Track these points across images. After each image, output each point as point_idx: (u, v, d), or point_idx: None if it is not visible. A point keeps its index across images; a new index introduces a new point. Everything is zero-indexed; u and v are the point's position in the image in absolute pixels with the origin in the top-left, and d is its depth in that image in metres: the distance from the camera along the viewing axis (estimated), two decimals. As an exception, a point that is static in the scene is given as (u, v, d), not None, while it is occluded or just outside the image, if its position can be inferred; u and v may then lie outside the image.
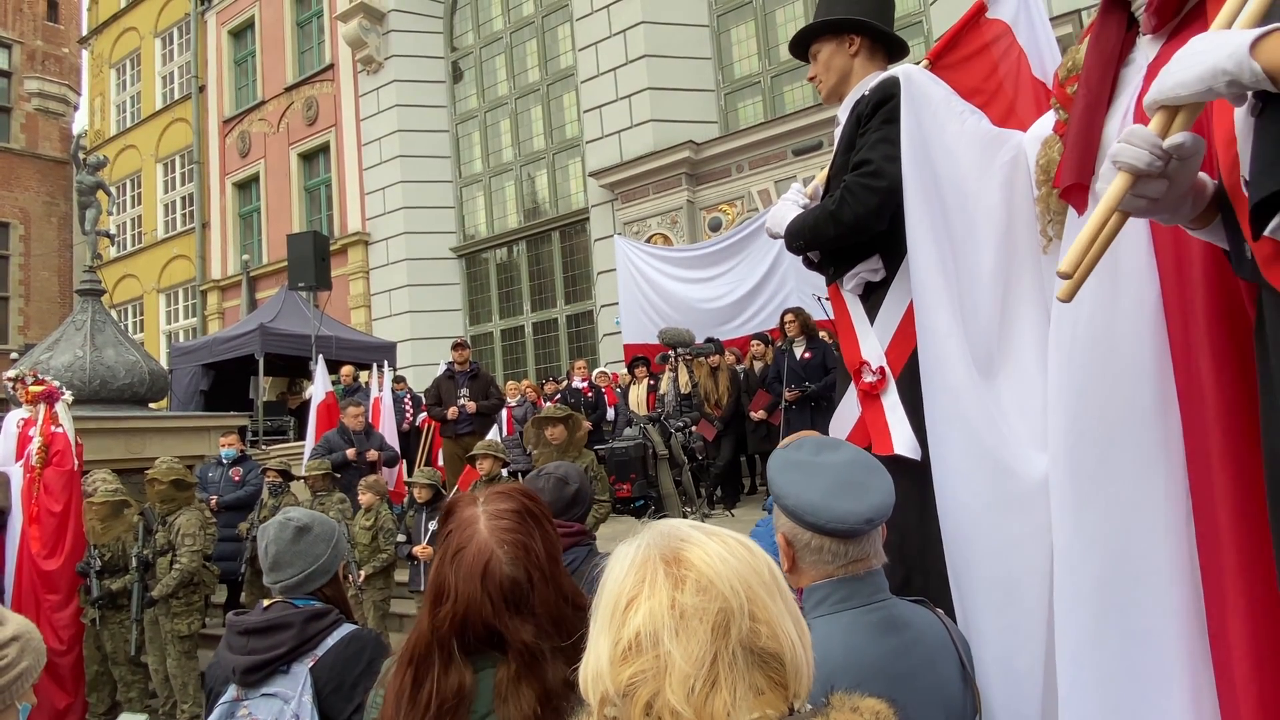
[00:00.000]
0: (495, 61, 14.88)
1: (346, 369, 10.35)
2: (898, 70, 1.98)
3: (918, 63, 2.10)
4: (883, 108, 1.98)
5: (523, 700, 1.15)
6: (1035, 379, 1.65)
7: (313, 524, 1.94)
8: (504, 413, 8.58)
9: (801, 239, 2.14)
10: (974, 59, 2.20)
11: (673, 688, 0.72)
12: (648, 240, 11.39)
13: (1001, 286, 1.76)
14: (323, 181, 16.44)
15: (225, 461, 6.69)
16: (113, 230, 18.18)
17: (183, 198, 18.85)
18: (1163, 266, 1.27)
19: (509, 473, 6.38)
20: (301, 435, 10.00)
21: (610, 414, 8.60)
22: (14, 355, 15.70)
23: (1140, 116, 1.27)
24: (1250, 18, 1.00)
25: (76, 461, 5.08)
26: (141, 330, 19.17)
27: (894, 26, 2.29)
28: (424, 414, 8.56)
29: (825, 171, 2.25)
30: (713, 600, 0.74)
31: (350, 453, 6.78)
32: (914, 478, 1.82)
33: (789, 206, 2.24)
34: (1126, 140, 1.04)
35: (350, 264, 15.37)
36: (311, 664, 1.77)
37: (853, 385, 2.08)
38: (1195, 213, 1.11)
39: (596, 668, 0.77)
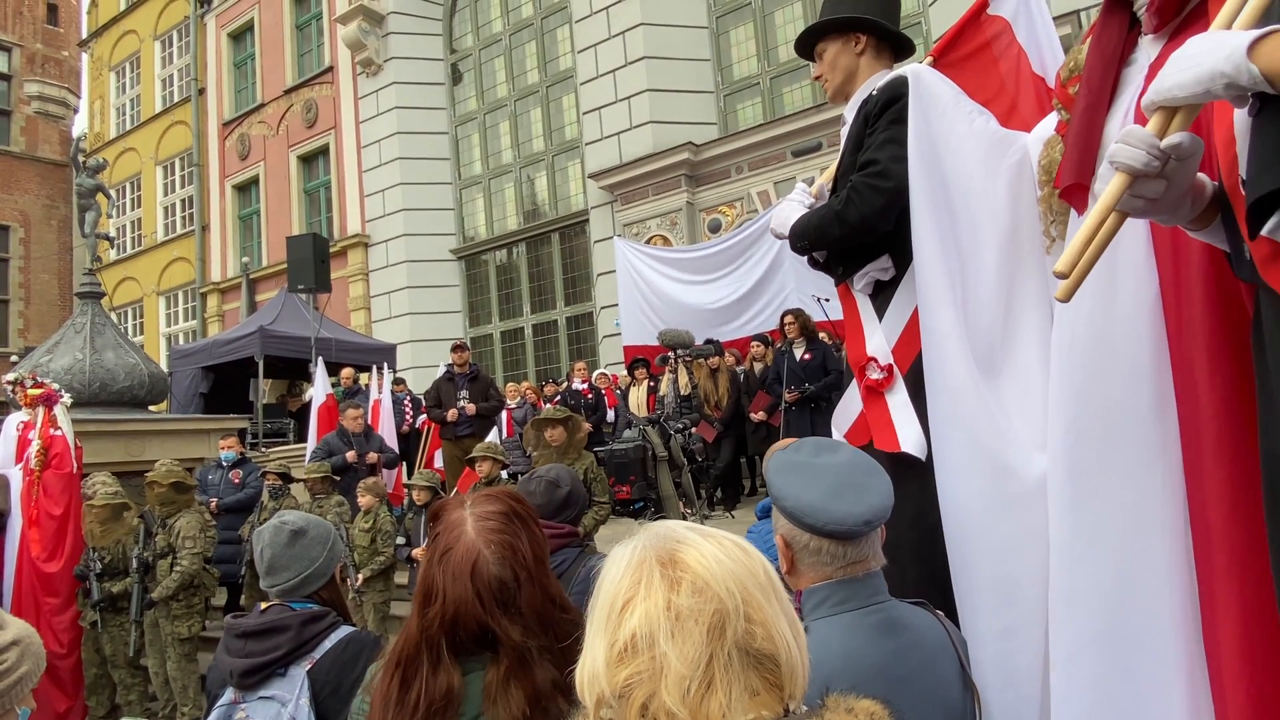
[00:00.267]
0: (495, 64, 14.89)
1: (346, 371, 10.34)
2: (906, 69, 1.96)
3: (922, 61, 2.09)
4: (891, 107, 1.96)
5: (512, 702, 1.16)
6: (1037, 380, 1.64)
7: (308, 527, 1.94)
8: (504, 415, 8.59)
9: (806, 239, 2.12)
10: (974, 56, 2.19)
11: (668, 689, 0.72)
12: (647, 242, 11.39)
13: (1006, 287, 1.75)
14: (322, 184, 16.44)
15: (225, 464, 6.68)
16: (112, 233, 18.22)
17: (182, 200, 18.86)
18: (1161, 266, 1.27)
19: (508, 475, 6.37)
20: (301, 438, 9.99)
21: (610, 416, 8.60)
22: (14, 358, 15.69)
23: (1141, 117, 1.27)
24: (1248, 19, 0.99)
25: (76, 464, 5.08)
26: (141, 333, 19.17)
27: (900, 26, 2.27)
28: (424, 416, 8.55)
29: (830, 171, 2.23)
30: (708, 602, 0.74)
31: (350, 455, 6.78)
32: (931, 477, 1.81)
33: (793, 206, 2.22)
34: (1124, 140, 1.04)
35: (350, 266, 15.38)
36: (309, 667, 1.77)
37: (855, 381, 2.06)
38: (1195, 214, 1.10)
39: (593, 669, 0.77)
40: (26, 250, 21.72)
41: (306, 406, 9.94)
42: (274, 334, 11.15)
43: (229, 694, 1.79)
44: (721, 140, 11.50)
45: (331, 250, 12.60)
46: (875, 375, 1.97)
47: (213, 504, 6.28)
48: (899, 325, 1.96)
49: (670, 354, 7.40)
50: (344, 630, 1.86)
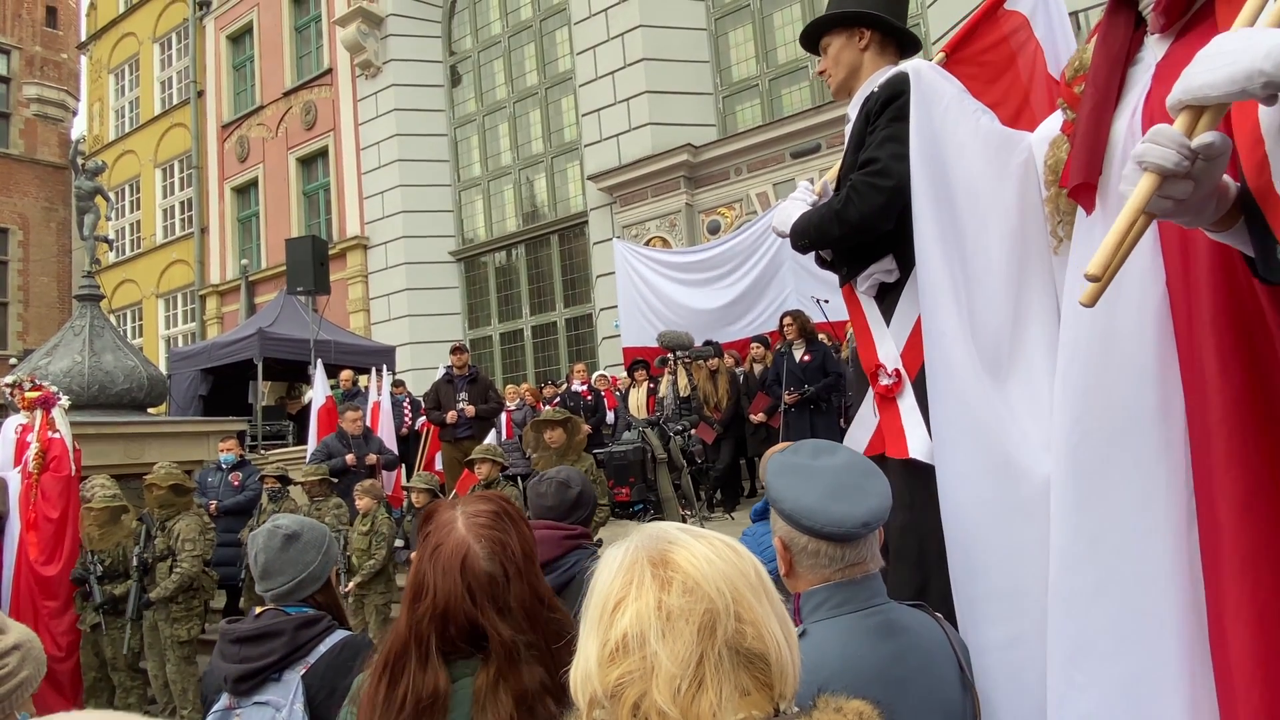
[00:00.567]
0: (493, 65, 14.90)
1: (345, 373, 10.34)
2: (907, 66, 1.94)
3: (935, 58, 2.07)
4: (891, 105, 1.94)
5: (501, 707, 1.16)
6: (1045, 381, 1.62)
7: (302, 531, 1.93)
8: (503, 416, 8.58)
9: (807, 238, 2.10)
10: (992, 50, 2.17)
11: (659, 688, 0.72)
12: (646, 243, 11.39)
13: (1014, 288, 1.72)
14: (321, 186, 16.45)
15: (225, 466, 6.68)
16: (111, 235, 18.24)
17: (181, 203, 18.86)
18: (1169, 266, 1.26)
19: (507, 476, 6.37)
20: (301, 440, 9.99)
21: (610, 417, 8.59)
22: (13, 361, 15.68)
23: (1149, 115, 1.26)
24: (1276, 16, 0.98)
25: (74, 467, 5.07)
26: (140, 335, 19.16)
27: (907, 22, 2.24)
28: (423, 418, 8.55)
29: (835, 169, 2.21)
30: (699, 601, 0.75)
31: (349, 458, 6.78)
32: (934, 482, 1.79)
33: (796, 204, 2.20)
34: (1152, 140, 1.01)
35: (349, 268, 15.38)
36: (303, 671, 1.76)
37: (868, 394, 2.04)
38: (1218, 215, 1.08)
39: (585, 669, 0.77)
40: (25, 253, 21.73)
41: (306, 409, 9.95)
42: (273, 336, 11.14)
43: (224, 699, 1.79)
44: (720, 142, 11.50)
45: (330, 252, 12.61)
46: (885, 381, 1.95)
47: (212, 506, 6.27)
48: (906, 330, 1.93)
49: (669, 356, 7.40)
50: (339, 634, 1.85)
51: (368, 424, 7.67)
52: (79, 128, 22.70)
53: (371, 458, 6.99)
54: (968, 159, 1.77)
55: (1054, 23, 2.16)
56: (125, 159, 19.83)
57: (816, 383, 6.72)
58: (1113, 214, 1.32)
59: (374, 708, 1.19)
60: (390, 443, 8.13)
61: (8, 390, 5.25)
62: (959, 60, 2.14)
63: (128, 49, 20.30)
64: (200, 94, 18.36)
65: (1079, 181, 1.35)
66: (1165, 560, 1.24)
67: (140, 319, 19.53)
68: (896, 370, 1.94)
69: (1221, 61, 0.96)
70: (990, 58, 2.15)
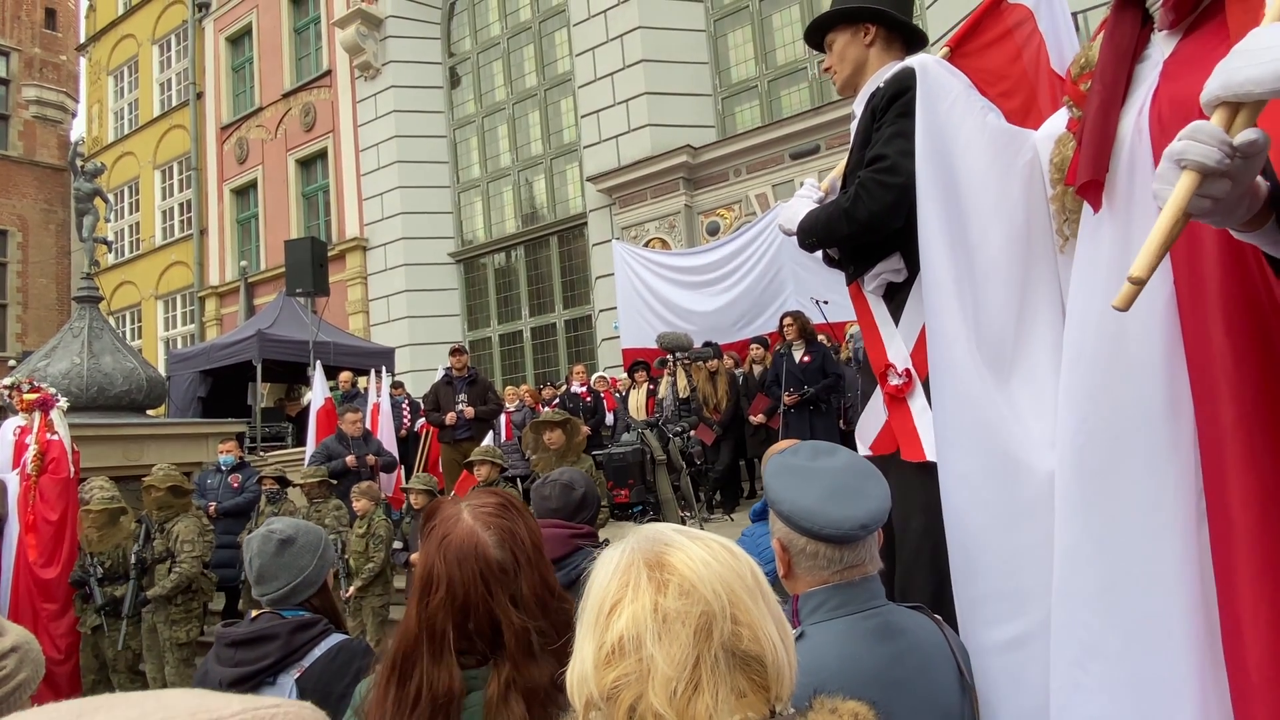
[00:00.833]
0: (493, 67, 14.91)
1: (345, 375, 10.34)
2: (913, 61, 1.91)
3: (938, 53, 2.05)
4: (898, 101, 1.91)
5: (512, 714, 1.14)
6: (1049, 380, 1.60)
7: (297, 535, 1.93)
8: (502, 418, 8.57)
9: (814, 236, 2.07)
10: (996, 45, 2.14)
11: (655, 691, 0.72)
12: (646, 245, 11.39)
13: (1018, 286, 1.70)
14: (320, 187, 16.44)
15: (224, 468, 6.68)
16: (110, 237, 18.23)
17: (180, 204, 18.86)
18: (1176, 266, 1.24)
19: (507, 478, 6.36)
20: (300, 442, 9.98)
21: (609, 419, 8.58)
22: (12, 363, 15.68)
23: (1156, 113, 1.25)
24: None
25: (73, 469, 5.07)
26: (139, 337, 19.16)
27: (912, 17, 2.21)
28: (422, 420, 8.55)
29: (841, 166, 2.19)
30: (695, 604, 0.75)
31: (349, 460, 6.77)
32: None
33: (802, 202, 2.17)
34: (1191, 137, 0.97)
35: (348, 269, 15.37)
36: (298, 675, 1.76)
37: (879, 388, 2.02)
38: (1250, 215, 1.05)
39: (581, 671, 0.77)
40: (24, 254, 21.73)
41: (305, 410, 9.94)
42: (272, 338, 11.14)
43: None
44: (720, 143, 11.50)
45: (330, 254, 12.61)
46: (895, 381, 1.93)
47: (211, 508, 6.27)
48: (915, 329, 1.91)
49: (669, 357, 7.39)
50: (335, 638, 1.85)
51: (367, 426, 7.67)
52: (78, 129, 22.73)
53: (370, 459, 6.98)
54: (974, 155, 1.74)
55: (1057, 17, 2.14)
56: (124, 161, 19.83)
57: (816, 384, 6.71)
58: (1120, 212, 1.31)
59: (383, 712, 1.16)
60: (390, 445, 8.12)
61: (6, 392, 5.25)
62: (963, 55, 2.13)
63: (127, 51, 20.30)
64: (199, 96, 18.36)
65: (1086, 179, 1.33)
66: (1174, 560, 1.22)
67: (139, 321, 19.52)
68: (907, 370, 1.91)
69: (1267, 56, 0.93)
70: (996, 50, 2.14)
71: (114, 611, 5.03)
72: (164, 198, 19.27)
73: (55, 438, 5.05)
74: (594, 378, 9.18)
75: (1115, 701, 1.28)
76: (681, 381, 7.27)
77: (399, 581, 5.83)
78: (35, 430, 5.00)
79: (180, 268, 18.53)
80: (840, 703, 0.78)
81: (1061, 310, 1.63)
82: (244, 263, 16.91)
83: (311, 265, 10.29)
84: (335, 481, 6.30)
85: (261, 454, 9.98)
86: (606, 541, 2.40)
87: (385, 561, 5.51)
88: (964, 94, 1.81)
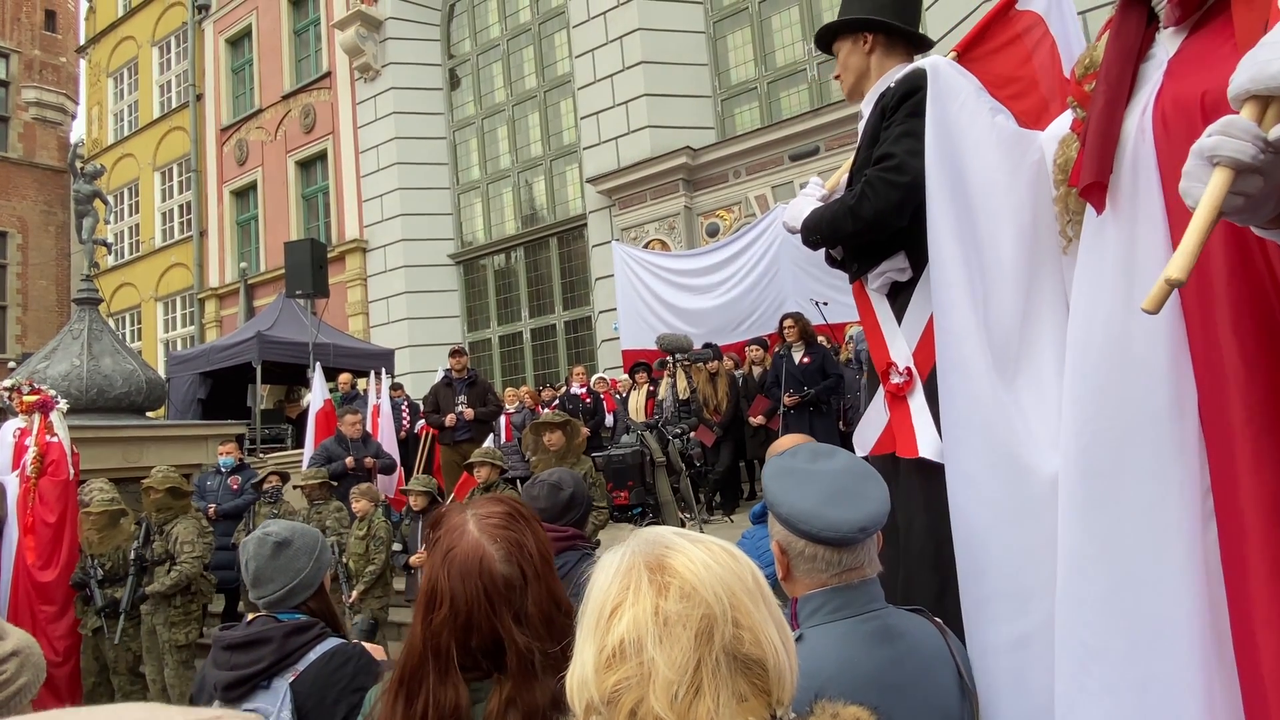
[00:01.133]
0: (492, 68, 14.91)
1: (344, 376, 10.33)
2: (925, 62, 1.92)
3: (945, 56, 2.06)
4: (908, 100, 1.92)
5: None
6: (1053, 380, 1.59)
7: (293, 538, 1.92)
8: (502, 419, 8.58)
9: (819, 234, 2.08)
10: (1005, 50, 2.16)
11: (656, 695, 0.72)
12: (645, 246, 11.40)
13: (1024, 286, 1.69)
14: (320, 189, 16.45)
15: (224, 470, 6.67)
16: (110, 239, 18.23)
17: (180, 206, 18.86)
18: None
19: (507, 480, 6.36)
20: (299, 443, 9.98)
21: (609, 420, 8.58)
22: (11, 364, 15.68)
23: (1160, 112, 1.24)
24: None
25: (73, 471, 5.07)
26: (139, 339, 19.16)
27: (917, 23, 2.24)
28: (422, 421, 8.54)
29: (846, 165, 2.19)
30: (696, 607, 0.74)
31: (349, 461, 6.77)
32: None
33: (807, 200, 2.18)
34: (1224, 133, 0.94)
35: (348, 271, 15.37)
36: (292, 679, 1.75)
37: (881, 387, 2.02)
38: (1276, 212, 1.03)
39: (582, 675, 0.77)
40: (24, 256, 21.72)
41: (305, 412, 9.94)
42: (272, 339, 11.14)
43: (214, 706, 1.78)
44: (719, 145, 11.51)
45: (329, 255, 12.62)
46: (896, 380, 1.93)
47: (211, 510, 6.27)
48: (918, 329, 1.91)
49: (668, 358, 7.39)
50: (331, 642, 1.84)
51: (367, 428, 7.67)
52: (78, 131, 22.73)
53: (369, 460, 6.98)
54: (983, 156, 1.74)
55: (1067, 22, 2.15)
56: (124, 162, 19.83)
57: (816, 385, 6.71)
58: (1123, 213, 1.30)
59: None
60: (389, 446, 8.11)
61: (6, 394, 5.25)
62: (970, 60, 2.14)
63: (126, 52, 20.31)
64: (199, 97, 18.37)
65: (1090, 181, 1.32)
66: (1181, 561, 1.21)
67: (139, 322, 19.53)
68: (908, 369, 1.92)
69: None
70: (1006, 55, 2.15)
71: (114, 613, 5.03)
72: (164, 199, 19.27)
73: (55, 440, 5.05)
74: (594, 379, 9.19)
75: (1120, 704, 1.27)
76: (681, 383, 7.26)
77: (398, 583, 5.83)
78: (35, 432, 4.99)
79: (180, 269, 18.53)
80: (841, 707, 0.78)
81: (1065, 312, 1.63)
82: (244, 264, 16.91)
83: (311, 267, 10.29)
84: (336, 483, 6.30)
85: (261, 456, 9.98)
86: (598, 544, 2.41)
87: (385, 564, 5.51)
88: (974, 95, 1.82)
